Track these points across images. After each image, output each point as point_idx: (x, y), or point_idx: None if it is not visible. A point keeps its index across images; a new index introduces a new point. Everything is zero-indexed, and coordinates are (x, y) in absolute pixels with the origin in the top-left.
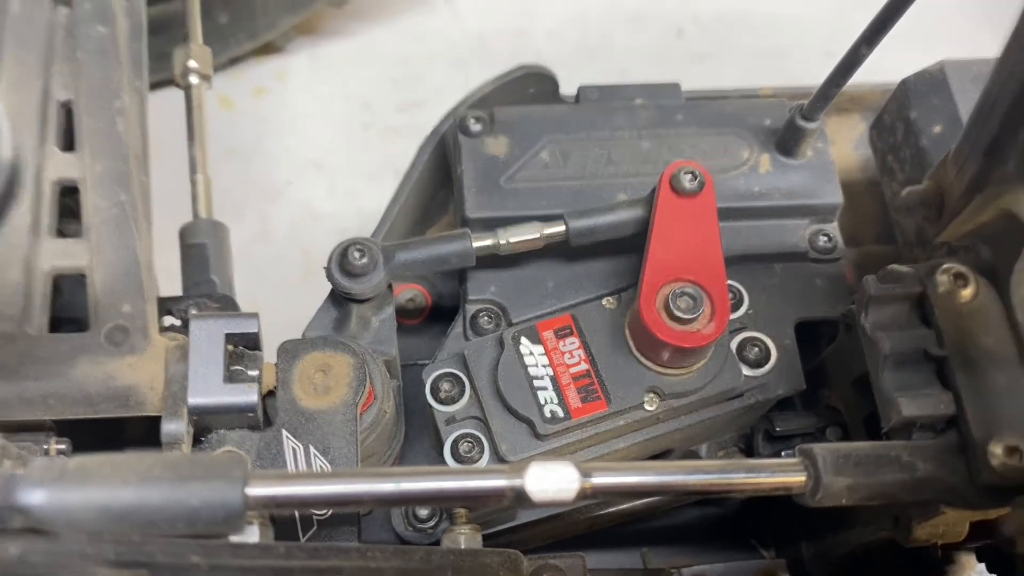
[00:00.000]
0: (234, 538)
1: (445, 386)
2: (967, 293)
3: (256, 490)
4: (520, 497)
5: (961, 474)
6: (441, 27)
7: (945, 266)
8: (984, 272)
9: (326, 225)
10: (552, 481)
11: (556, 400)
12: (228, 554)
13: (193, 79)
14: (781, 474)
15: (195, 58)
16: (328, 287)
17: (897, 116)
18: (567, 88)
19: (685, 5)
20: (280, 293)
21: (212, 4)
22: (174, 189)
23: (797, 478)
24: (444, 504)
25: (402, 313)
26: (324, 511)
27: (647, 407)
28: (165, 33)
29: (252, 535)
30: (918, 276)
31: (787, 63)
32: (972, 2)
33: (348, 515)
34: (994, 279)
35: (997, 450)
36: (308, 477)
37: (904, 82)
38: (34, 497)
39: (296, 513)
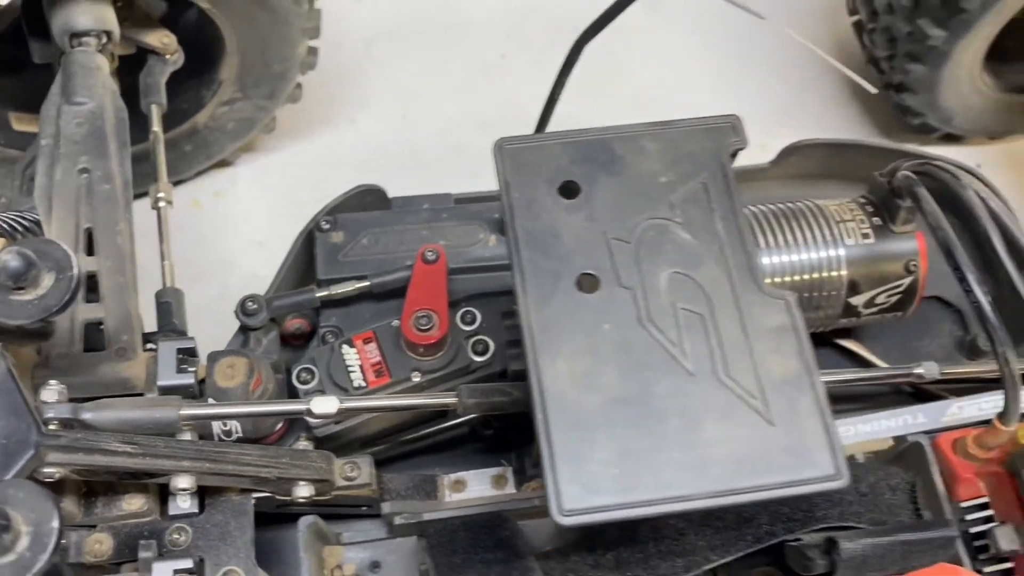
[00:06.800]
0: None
1: (304, 375)
2: None
3: (184, 411)
4: (311, 412)
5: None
6: (346, 141)
7: None
8: None
9: (266, 286)
10: (323, 405)
11: (361, 378)
12: (173, 443)
13: (162, 204)
14: (448, 398)
15: (163, 191)
16: None
17: None
18: (394, 192)
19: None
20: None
21: (180, 140)
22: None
23: (454, 400)
24: (281, 418)
25: (293, 337)
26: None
27: (414, 379)
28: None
29: (186, 436)
30: None
31: None
32: None
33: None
34: None
35: None
36: (204, 405)
37: None
38: (86, 414)
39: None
